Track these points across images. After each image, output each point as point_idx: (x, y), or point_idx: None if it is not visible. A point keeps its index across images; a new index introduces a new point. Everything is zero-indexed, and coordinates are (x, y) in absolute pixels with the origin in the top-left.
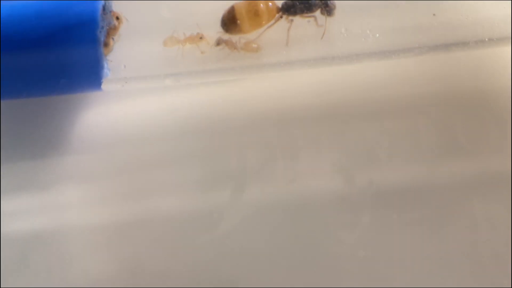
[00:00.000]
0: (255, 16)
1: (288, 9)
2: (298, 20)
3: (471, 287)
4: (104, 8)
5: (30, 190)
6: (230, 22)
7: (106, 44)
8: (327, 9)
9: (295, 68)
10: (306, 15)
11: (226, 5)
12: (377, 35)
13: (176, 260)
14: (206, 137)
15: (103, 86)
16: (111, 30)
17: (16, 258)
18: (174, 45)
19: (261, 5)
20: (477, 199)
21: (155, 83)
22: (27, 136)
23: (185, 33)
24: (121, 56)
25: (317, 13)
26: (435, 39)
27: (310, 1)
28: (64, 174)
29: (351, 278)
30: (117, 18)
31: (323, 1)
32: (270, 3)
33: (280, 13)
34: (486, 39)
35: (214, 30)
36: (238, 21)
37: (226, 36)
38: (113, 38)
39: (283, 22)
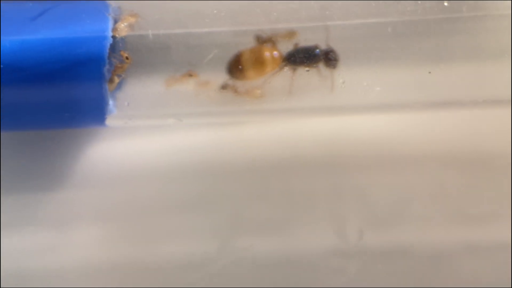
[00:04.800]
0: (260, 64)
1: (293, 59)
2: (302, 70)
3: None
4: (113, 46)
5: (30, 225)
6: (235, 68)
7: (111, 80)
8: (331, 62)
9: (296, 115)
10: (310, 65)
11: (234, 51)
12: (378, 88)
13: None
14: (206, 180)
15: (107, 122)
16: (118, 68)
17: None
18: (173, 84)
19: (266, 53)
20: (467, 260)
21: (158, 122)
22: (28, 170)
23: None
24: (126, 93)
25: (320, 65)
26: (431, 97)
27: (314, 53)
28: (65, 210)
29: None
30: (127, 58)
31: (326, 54)
32: (275, 52)
33: (285, 62)
34: (481, 101)
35: (221, 74)
36: (243, 68)
37: (231, 81)
38: (118, 76)
39: (287, 71)
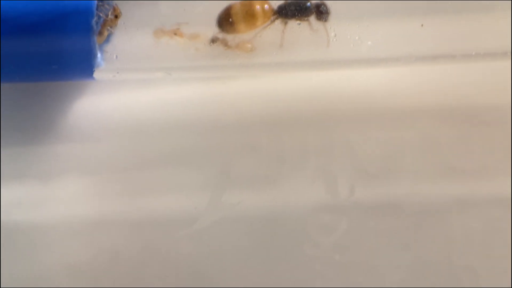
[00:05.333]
0: (251, 17)
1: (283, 12)
2: (292, 23)
3: None
4: None
5: (18, 177)
6: (225, 21)
7: (100, 33)
8: (321, 15)
9: (286, 70)
10: (301, 19)
11: (224, 4)
12: (369, 42)
13: (155, 252)
14: (194, 134)
15: (95, 75)
16: (108, 21)
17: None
18: (162, 36)
19: (257, 6)
20: (457, 215)
21: (147, 75)
22: (15, 122)
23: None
24: (115, 46)
25: (312, 18)
26: (423, 50)
27: (305, 6)
28: (52, 164)
29: (325, 280)
30: (116, 16)
31: (317, 7)
32: (266, 5)
33: (276, 16)
34: (473, 54)
35: (211, 28)
36: (234, 21)
37: (221, 35)
38: (108, 29)
39: (278, 24)
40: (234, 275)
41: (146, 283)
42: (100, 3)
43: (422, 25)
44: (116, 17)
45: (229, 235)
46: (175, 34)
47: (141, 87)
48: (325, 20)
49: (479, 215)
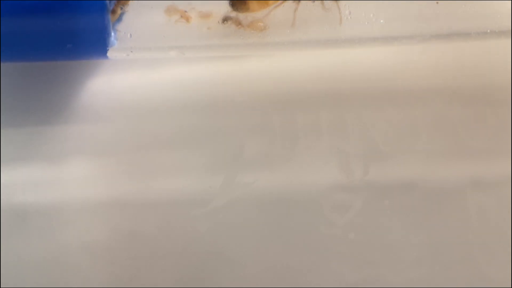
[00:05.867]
0: None
1: None
2: (305, 1)
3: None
4: None
5: (30, 158)
6: (238, 0)
7: (113, 11)
8: None
9: (299, 49)
10: None
11: None
12: (382, 21)
13: (170, 231)
14: (207, 113)
15: (109, 54)
16: (122, 0)
17: (15, 226)
18: (174, 14)
19: None
20: (471, 194)
21: (160, 54)
22: (29, 102)
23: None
24: (128, 25)
25: None
26: (437, 28)
27: None
28: (66, 143)
29: (339, 259)
30: None
31: None
32: None
33: None
34: (488, 31)
35: (223, 7)
36: (246, 0)
37: (233, 14)
38: (121, 7)
39: (290, 3)
40: (249, 254)
41: (162, 261)
42: None
43: (437, 2)
44: None
45: (243, 215)
46: (186, 14)
47: (153, 66)
48: None
49: (494, 194)
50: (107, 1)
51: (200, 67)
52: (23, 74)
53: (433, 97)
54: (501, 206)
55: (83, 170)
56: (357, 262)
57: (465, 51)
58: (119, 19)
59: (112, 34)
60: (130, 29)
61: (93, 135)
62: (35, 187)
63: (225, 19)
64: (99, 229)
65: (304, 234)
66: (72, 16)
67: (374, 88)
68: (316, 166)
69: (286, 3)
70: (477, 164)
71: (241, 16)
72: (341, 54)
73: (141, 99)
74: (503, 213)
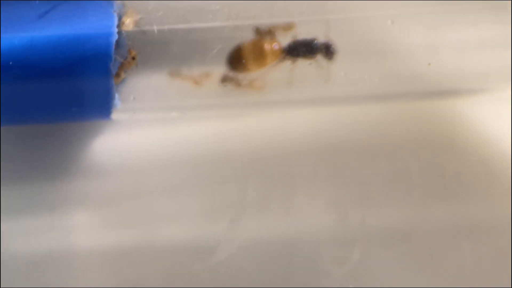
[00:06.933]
0: (261, 56)
1: (292, 51)
2: (301, 61)
3: None
4: (118, 42)
5: (31, 209)
6: (236, 60)
7: (117, 75)
8: (328, 54)
9: (296, 107)
10: (309, 57)
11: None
12: (375, 79)
13: (172, 279)
14: (209, 168)
15: (112, 115)
16: (125, 64)
17: (17, 278)
18: (177, 77)
19: (267, 45)
20: (465, 240)
21: (162, 115)
22: (34, 160)
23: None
24: (131, 88)
25: (319, 56)
26: (429, 87)
27: (312, 45)
28: (69, 199)
29: None
30: (133, 57)
31: (324, 46)
32: (275, 44)
33: (284, 54)
34: (479, 89)
35: (221, 67)
36: (244, 60)
37: (231, 74)
38: (125, 71)
39: (287, 62)
40: None
41: None
42: (117, 47)
43: (429, 64)
44: (133, 58)
45: (242, 266)
46: (190, 79)
47: (156, 124)
48: (331, 59)
49: (488, 239)
50: (111, 66)
51: (201, 125)
52: (25, 136)
53: (424, 147)
54: (496, 251)
55: (84, 222)
56: None
57: (453, 105)
58: (123, 81)
59: (116, 96)
60: (133, 91)
61: (95, 188)
62: (35, 236)
63: (224, 79)
64: (100, 278)
65: (304, 286)
66: (76, 80)
67: (368, 140)
68: (315, 218)
69: (283, 63)
70: (470, 210)
71: (240, 76)
72: (336, 110)
73: (143, 156)
74: (498, 258)
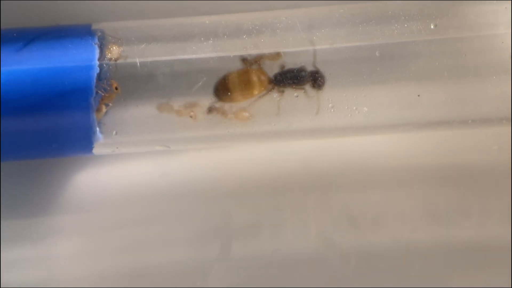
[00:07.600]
0: (247, 86)
1: (279, 81)
2: (288, 91)
3: None
4: (99, 75)
5: (16, 244)
6: (222, 90)
7: (98, 110)
8: (317, 83)
9: (284, 138)
10: (297, 87)
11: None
12: (365, 109)
13: None
14: (194, 201)
15: (94, 150)
16: (106, 98)
17: None
18: (167, 112)
19: (253, 75)
20: (457, 269)
21: (145, 148)
22: (18, 195)
23: (179, 105)
24: (113, 122)
25: (307, 86)
26: (419, 118)
27: (300, 75)
28: (52, 233)
29: None
30: (116, 88)
31: (312, 76)
32: (262, 74)
33: (272, 84)
34: (470, 121)
35: (207, 98)
36: (230, 90)
37: (218, 104)
38: (106, 104)
39: (274, 93)
40: None
41: None
42: (99, 80)
43: (418, 95)
44: (116, 89)
45: None
46: (179, 112)
47: (139, 157)
48: (320, 89)
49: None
50: (92, 100)
51: (186, 156)
52: (8, 171)
53: (415, 179)
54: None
55: (70, 253)
56: None
57: (444, 136)
58: (105, 114)
59: (98, 129)
60: (116, 126)
61: (78, 220)
62: (21, 268)
63: (211, 109)
64: None
65: None
66: (56, 116)
67: (358, 172)
68: (304, 248)
69: (270, 93)
70: (463, 245)
71: (226, 106)
72: (325, 140)
73: (128, 189)
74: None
